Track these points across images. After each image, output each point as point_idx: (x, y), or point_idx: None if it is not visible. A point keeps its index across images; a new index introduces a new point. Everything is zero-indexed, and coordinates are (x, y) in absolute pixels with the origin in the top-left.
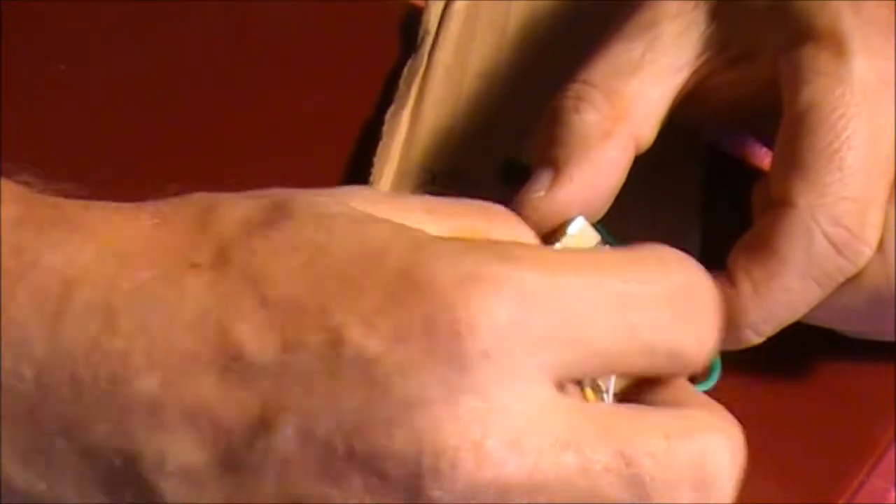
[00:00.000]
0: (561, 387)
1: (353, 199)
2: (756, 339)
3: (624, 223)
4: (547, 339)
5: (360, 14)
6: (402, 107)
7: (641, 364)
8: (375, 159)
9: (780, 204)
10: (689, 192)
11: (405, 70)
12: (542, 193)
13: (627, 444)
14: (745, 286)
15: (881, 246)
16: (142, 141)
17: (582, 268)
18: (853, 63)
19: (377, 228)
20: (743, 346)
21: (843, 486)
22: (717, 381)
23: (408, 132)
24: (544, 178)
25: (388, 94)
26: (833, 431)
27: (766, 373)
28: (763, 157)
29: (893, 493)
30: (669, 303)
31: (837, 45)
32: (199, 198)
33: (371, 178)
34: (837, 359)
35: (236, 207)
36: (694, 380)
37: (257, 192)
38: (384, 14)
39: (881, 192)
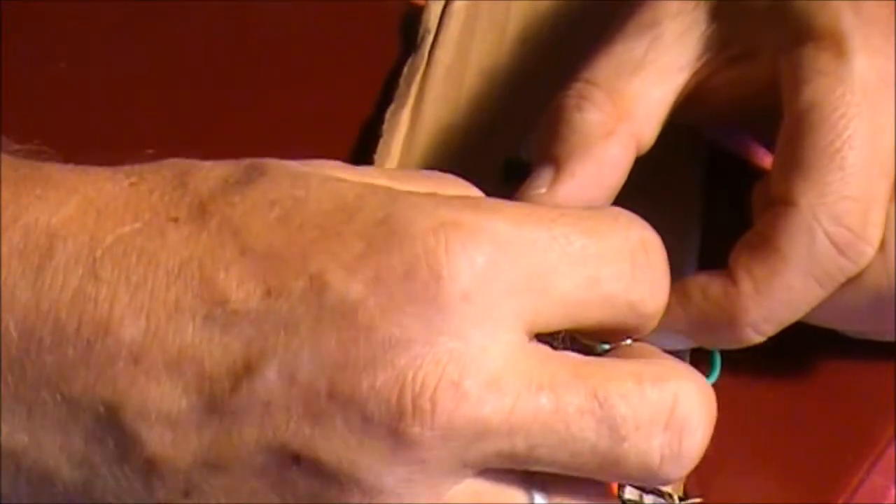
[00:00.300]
0: (532, 339)
1: (322, 167)
2: (757, 338)
3: None
4: (519, 287)
5: (361, 13)
6: (402, 105)
7: (601, 315)
8: (376, 158)
9: (781, 203)
10: (690, 191)
11: (405, 69)
12: (542, 190)
13: (600, 387)
14: (745, 285)
15: (882, 245)
16: (142, 140)
17: (548, 222)
18: (853, 63)
19: (351, 184)
20: (744, 344)
21: (843, 484)
22: (718, 379)
23: (408, 131)
24: (545, 174)
25: (388, 93)
26: (833, 429)
27: (766, 371)
28: (763, 157)
29: (893, 491)
30: (628, 258)
31: (837, 45)
32: (176, 161)
33: None
34: (837, 357)
35: (213, 168)
36: None
37: (232, 160)
38: (384, 13)
39: (882, 191)
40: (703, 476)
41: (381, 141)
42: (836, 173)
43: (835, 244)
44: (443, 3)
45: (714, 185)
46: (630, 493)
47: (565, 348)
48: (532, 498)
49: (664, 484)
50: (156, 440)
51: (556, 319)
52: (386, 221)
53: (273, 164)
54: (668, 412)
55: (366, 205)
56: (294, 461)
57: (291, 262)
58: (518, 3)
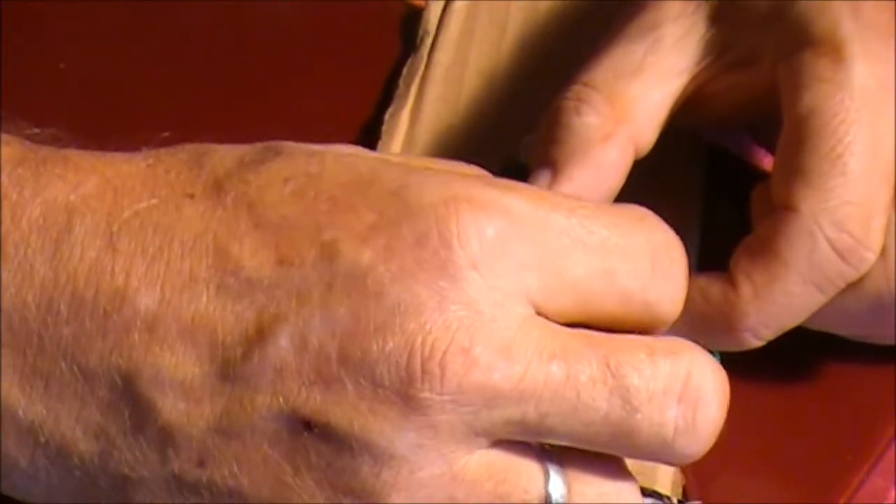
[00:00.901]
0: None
1: (339, 148)
2: (755, 343)
3: None
4: (530, 264)
5: (360, 14)
6: (401, 107)
7: (615, 310)
8: None
9: (782, 208)
10: (690, 192)
11: (405, 70)
12: None
13: (612, 357)
14: (745, 289)
15: (883, 251)
16: (142, 141)
17: (567, 208)
18: (852, 69)
19: (366, 159)
20: (743, 348)
21: (843, 485)
22: None
23: (407, 132)
24: (543, 177)
25: (387, 94)
26: (833, 430)
27: (766, 372)
28: (763, 158)
29: (894, 492)
30: (649, 257)
31: (836, 51)
32: (193, 145)
33: None
34: (837, 358)
35: (230, 150)
36: None
37: (248, 144)
38: (384, 14)
39: (883, 196)
40: (703, 477)
41: (381, 142)
42: (837, 179)
43: (836, 250)
44: (442, 4)
45: (714, 186)
46: None
47: None
48: (547, 470)
49: (682, 460)
50: (170, 408)
51: (567, 305)
52: (399, 193)
53: (289, 144)
54: (682, 384)
55: (379, 178)
56: (306, 427)
57: (304, 231)
58: (518, 4)
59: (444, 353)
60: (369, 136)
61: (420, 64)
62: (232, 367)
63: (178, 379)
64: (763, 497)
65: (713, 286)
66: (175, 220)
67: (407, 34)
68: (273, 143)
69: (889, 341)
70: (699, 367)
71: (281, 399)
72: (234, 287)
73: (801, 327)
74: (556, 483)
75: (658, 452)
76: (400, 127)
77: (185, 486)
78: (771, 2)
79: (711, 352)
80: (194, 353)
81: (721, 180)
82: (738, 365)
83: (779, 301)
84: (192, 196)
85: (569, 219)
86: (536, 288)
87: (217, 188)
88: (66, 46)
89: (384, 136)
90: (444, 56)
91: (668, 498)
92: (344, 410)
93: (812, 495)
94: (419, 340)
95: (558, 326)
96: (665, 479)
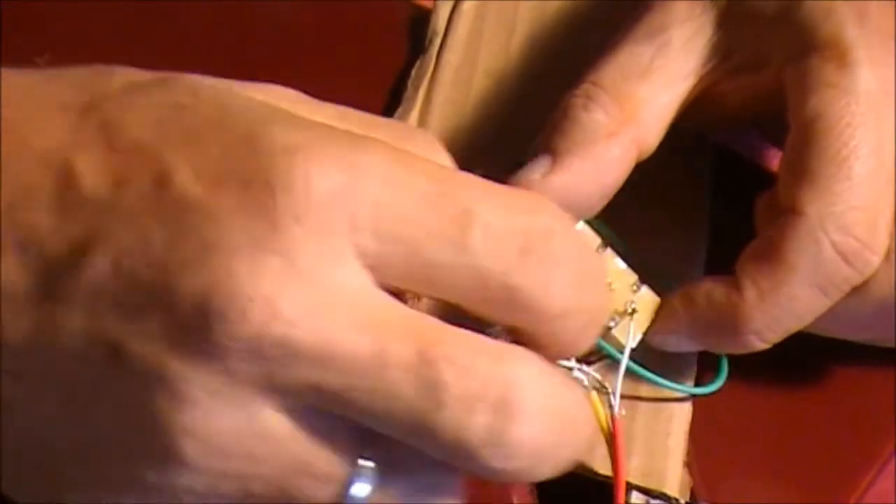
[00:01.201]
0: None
1: (276, 95)
2: (760, 345)
3: (631, 224)
4: (367, 225)
5: (368, 16)
6: (409, 109)
7: (470, 292)
8: None
9: (788, 212)
10: (698, 195)
11: (413, 72)
12: (536, 177)
13: (431, 346)
14: (750, 293)
15: (888, 255)
16: None
17: (436, 177)
18: (857, 73)
19: (246, 103)
20: (748, 351)
21: (850, 488)
22: (725, 384)
23: None
24: (542, 163)
25: (396, 96)
26: (840, 434)
27: (773, 375)
28: (771, 158)
29: None
30: (519, 240)
31: (842, 56)
32: (105, 66)
33: None
34: (845, 361)
35: (129, 73)
36: (701, 381)
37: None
38: (392, 15)
39: (888, 200)
40: (711, 479)
41: None
42: (843, 183)
43: (841, 254)
44: (451, 5)
45: (722, 186)
46: (636, 497)
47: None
48: (356, 461)
49: (491, 474)
50: None
51: (412, 277)
52: (251, 136)
53: (184, 76)
54: (499, 393)
55: (243, 119)
56: (113, 355)
57: (147, 157)
58: (526, 5)
59: (247, 299)
60: None
61: (428, 65)
62: (55, 283)
63: (5, 287)
64: (770, 499)
65: (718, 289)
66: (37, 130)
67: (415, 36)
68: (171, 74)
69: (892, 344)
70: (529, 381)
71: (93, 322)
72: (70, 203)
73: (807, 331)
74: (365, 465)
75: (459, 458)
76: None
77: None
78: (777, 4)
79: (718, 357)
80: (23, 264)
81: (729, 182)
82: (745, 369)
83: (783, 304)
84: (64, 109)
85: (429, 184)
86: (373, 252)
87: (91, 106)
88: (66, 46)
89: None
90: (452, 57)
91: (676, 500)
92: (147, 343)
93: (819, 498)
94: (224, 282)
95: (387, 299)
96: (673, 481)
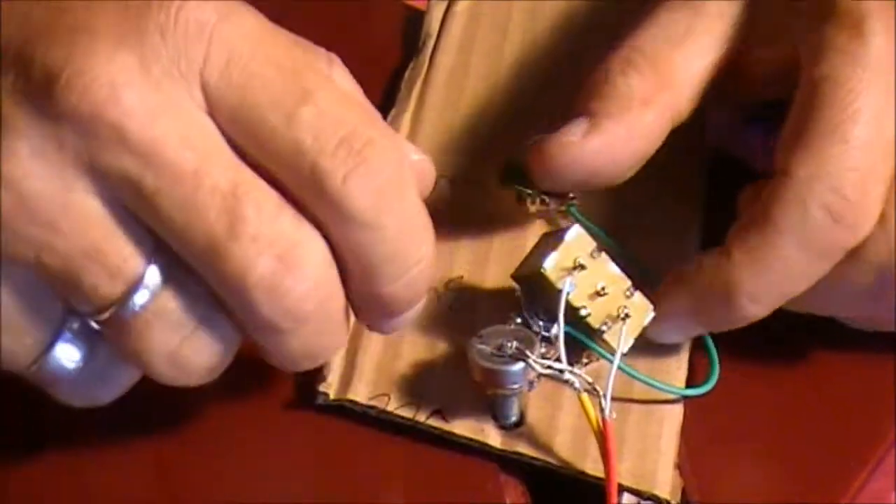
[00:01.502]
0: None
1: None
2: (755, 310)
3: (625, 222)
4: (222, 67)
5: (362, 17)
6: (403, 110)
7: (283, 160)
8: None
9: (779, 174)
10: (692, 193)
11: (407, 73)
12: (574, 139)
13: (245, 188)
14: (739, 255)
15: (884, 221)
16: None
17: (295, 58)
18: (871, 43)
19: None
20: (746, 320)
21: (845, 487)
22: (717, 386)
23: (409, 135)
24: (580, 125)
25: (389, 97)
26: (835, 432)
27: (767, 374)
28: (764, 160)
29: (895, 495)
30: (345, 134)
31: (857, 25)
32: None
33: None
34: (840, 360)
35: None
36: (692, 382)
37: None
38: (385, 17)
39: (884, 167)
40: (704, 479)
41: None
42: (838, 146)
43: (830, 213)
44: (444, 6)
45: (716, 185)
46: (627, 499)
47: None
48: (146, 268)
49: (254, 318)
50: None
51: (239, 127)
52: None
53: None
54: (289, 247)
55: None
56: None
57: None
58: (519, 6)
59: (94, 78)
60: None
61: (422, 67)
62: None
63: None
64: (765, 499)
65: (708, 257)
66: None
67: (408, 37)
68: None
69: (890, 326)
70: (315, 253)
71: None
72: None
73: (804, 326)
74: (153, 275)
75: (235, 293)
76: (402, 130)
77: None
78: None
79: (710, 356)
80: None
81: (723, 181)
82: (739, 367)
83: (774, 267)
84: None
85: (286, 59)
86: (214, 89)
87: None
88: None
89: None
90: (445, 59)
91: (668, 501)
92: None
93: (814, 497)
94: (79, 59)
95: (220, 137)
96: (664, 482)
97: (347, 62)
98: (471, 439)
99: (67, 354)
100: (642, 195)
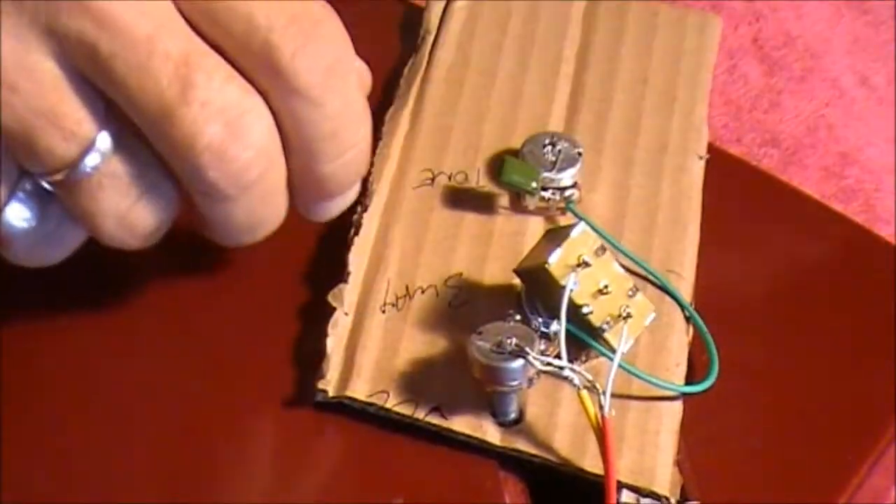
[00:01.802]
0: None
1: None
2: None
3: (624, 220)
4: None
5: (360, 14)
6: (402, 106)
7: (234, 34)
8: (375, 158)
9: None
10: (689, 191)
11: (406, 70)
12: None
13: (197, 57)
14: None
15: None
16: None
17: None
18: None
19: None
20: None
21: (843, 485)
22: (717, 383)
23: (408, 132)
24: None
25: (388, 94)
26: (833, 430)
27: (765, 371)
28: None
29: (894, 492)
30: (295, 11)
31: None
32: None
33: (370, 177)
34: (837, 357)
35: None
36: (691, 379)
37: None
38: (384, 14)
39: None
40: (702, 477)
41: (381, 143)
42: None
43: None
44: (443, 3)
45: (714, 184)
46: (627, 496)
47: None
48: (100, 131)
49: (200, 183)
50: None
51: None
52: None
53: None
54: (237, 115)
55: None
56: None
57: None
58: (518, 3)
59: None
60: None
61: (421, 63)
62: None
63: None
64: (763, 497)
65: None
66: None
67: (407, 34)
68: None
69: None
70: (262, 121)
71: None
72: None
73: (803, 325)
74: (105, 138)
75: (182, 158)
76: (400, 127)
77: None
78: None
79: (710, 355)
80: None
81: (722, 179)
82: (737, 365)
83: None
84: None
85: None
86: None
87: None
88: None
89: (384, 137)
90: (445, 55)
91: (667, 498)
92: None
93: (812, 495)
94: None
95: (176, 11)
96: (663, 479)
97: None
98: (470, 436)
99: (20, 214)
100: (642, 195)
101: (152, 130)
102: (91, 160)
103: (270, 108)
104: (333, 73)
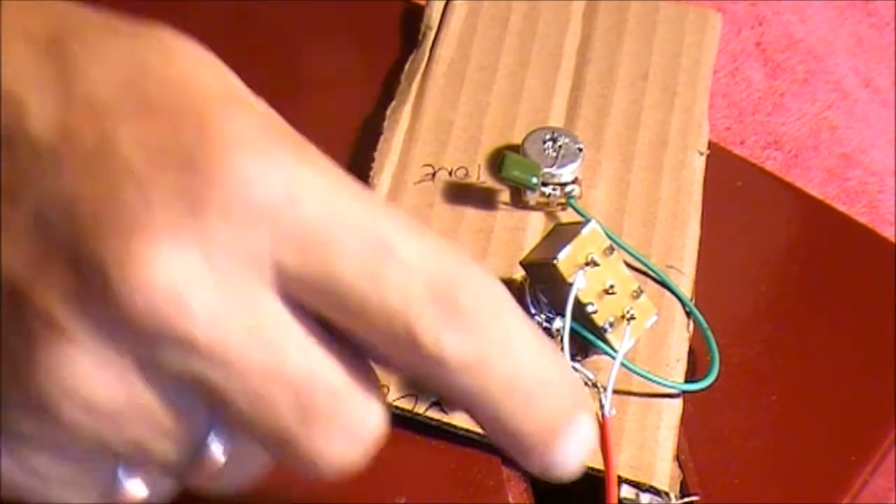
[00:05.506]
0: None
1: (206, 59)
2: None
3: (624, 217)
4: (298, 243)
5: (362, 11)
6: (403, 102)
7: (371, 321)
8: (376, 154)
9: None
10: (690, 187)
11: (407, 66)
12: None
13: (318, 374)
14: None
15: None
16: None
17: (368, 206)
18: None
19: (214, 79)
20: None
21: (845, 486)
22: (719, 382)
23: (409, 127)
24: None
25: (389, 91)
26: (835, 431)
27: (768, 373)
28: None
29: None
30: (436, 285)
31: None
32: (83, 5)
33: (371, 173)
34: (839, 359)
35: (105, 16)
36: (693, 375)
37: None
38: (385, 11)
39: None
40: (704, 478)
41: (382, 138)
42: None
43: None
44: (444, 0)
45: (714, 183)
46: (627, 491)
47: None
48: (207, 436)
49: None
50: None
51: (323, 293)
52: (204, 118)
53: (162, 31)
54: (359, 430)
55: (200, 99)
56: (12, 296)
57: (100, 116)
58: (519, 1)
59: (157, 287)
60: (371, 132)
61: (422, 60)
62: None
63: None
64: (765, 497)
65: None
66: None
67: (408, 31)
68: (148, 26)
69: None
70: (377, 419)
71: (3, 262)
72: (10, 139)
73: (802, 326)
74: (217, 447)
75: (303, 469)
76: (401, 123)
77: None
78: None
79: (711, 353)
80: None
81: (721, 179)
82: (739, 366)
83: None
84: (28, 36)
85: (362, 212)
86: (291, 266)
87: (55, 38)
88: None
89: (385, 132)
90: (446, 52)
91: (667, 493)
92: (50, 296)
93: (815, 496)
94: (139, 265)
95: (281, 317)
96: (663, 474)
97: (348, 55)
98: (469, 431)
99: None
100: (642, 190)
101: (269, 447)
102: (206, 454)
103: (412, 378)
104: (489, 330)
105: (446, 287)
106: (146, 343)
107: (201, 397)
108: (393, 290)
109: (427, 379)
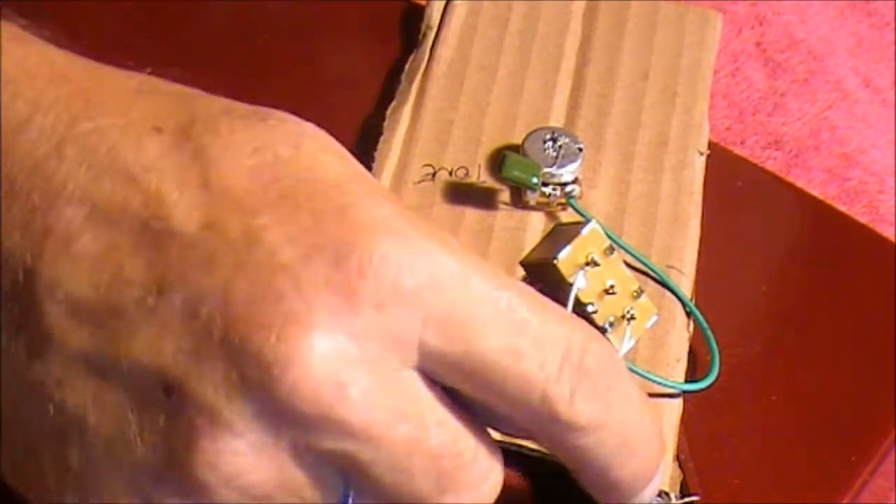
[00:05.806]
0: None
1: (324, 140)
2: None
3: (624, 217)
4: (441, 326)
5: (362, 11)
6: (403, 102)
7: (511, 395)
8: (376, 154)
9: None
10: (690, 187)
11: (407, 66)
12: None
13: (456, 445)
14: None
15: None
16: None
17: (498, 282)
18: None
19: (340, 164)
20: None
21: (846, 486)
22: (720, 382)
23: (409, 128)
24: None
25: (389, 91)
26: (836, 432)
27: (768, 372)
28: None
29: None
30: (561, 352)
31: None
32: (193, 89)
33: (372, 173)
34: (839, 358)
35: (222, 100)
36: (693, 375)
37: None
38: (385, 11)
39: None
40: (705, 478)
41: (382, 138)
42: None
43: None
44: (444, 0)
45: (714, 183)
46: None
47: None
48: (343, 497)
49: None
50: (54, 318)
51: (461, 374)
52: (345, 210)
53: (279, 115)
54: (489, 491)
55: (336, 188)
56: (165, 390)
57: (241, 208)
58: (519, 1)
59: (319, 381)
60: (370, 133)
61: (422, 60)
62: (124, 306)
63: (73, 295)
64: (765, 497)
65: None
66: (131, 148)
67: (408, 31)
68: (265, 109)
69: None
70: (499, 478)
71: (154, 354)
72: (155, 232)
73: (802, 326)
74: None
75: None
76: (401, 123)
77: (36, 395)
78: None
79: (711, 352)
80: (97, 279)
81: (721, 179)
82: (739, 366)
83: None
84: (159, 130)
85: (496, 291)
86: (434, 348)
87: (185, 132)
88: (67, 47)
89: (385, 132)
90: (446, 52)
91: (667, 494)
92: (205, 389)
93: (815, 496)
94: (301, 359)
95: (430, 391)
96: (664, 475)
97: (349, 55)
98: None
99: None
100: (641, 192)
101: None
102: None
103: (531, 436)
104: (611, 393)
105: (574, 353)
106: (304, 428)
107: (342, 469)
108: (530, 362)
109: (548, 437)
